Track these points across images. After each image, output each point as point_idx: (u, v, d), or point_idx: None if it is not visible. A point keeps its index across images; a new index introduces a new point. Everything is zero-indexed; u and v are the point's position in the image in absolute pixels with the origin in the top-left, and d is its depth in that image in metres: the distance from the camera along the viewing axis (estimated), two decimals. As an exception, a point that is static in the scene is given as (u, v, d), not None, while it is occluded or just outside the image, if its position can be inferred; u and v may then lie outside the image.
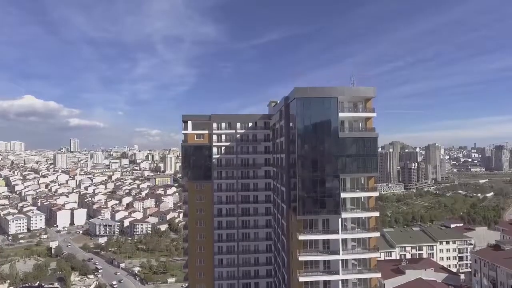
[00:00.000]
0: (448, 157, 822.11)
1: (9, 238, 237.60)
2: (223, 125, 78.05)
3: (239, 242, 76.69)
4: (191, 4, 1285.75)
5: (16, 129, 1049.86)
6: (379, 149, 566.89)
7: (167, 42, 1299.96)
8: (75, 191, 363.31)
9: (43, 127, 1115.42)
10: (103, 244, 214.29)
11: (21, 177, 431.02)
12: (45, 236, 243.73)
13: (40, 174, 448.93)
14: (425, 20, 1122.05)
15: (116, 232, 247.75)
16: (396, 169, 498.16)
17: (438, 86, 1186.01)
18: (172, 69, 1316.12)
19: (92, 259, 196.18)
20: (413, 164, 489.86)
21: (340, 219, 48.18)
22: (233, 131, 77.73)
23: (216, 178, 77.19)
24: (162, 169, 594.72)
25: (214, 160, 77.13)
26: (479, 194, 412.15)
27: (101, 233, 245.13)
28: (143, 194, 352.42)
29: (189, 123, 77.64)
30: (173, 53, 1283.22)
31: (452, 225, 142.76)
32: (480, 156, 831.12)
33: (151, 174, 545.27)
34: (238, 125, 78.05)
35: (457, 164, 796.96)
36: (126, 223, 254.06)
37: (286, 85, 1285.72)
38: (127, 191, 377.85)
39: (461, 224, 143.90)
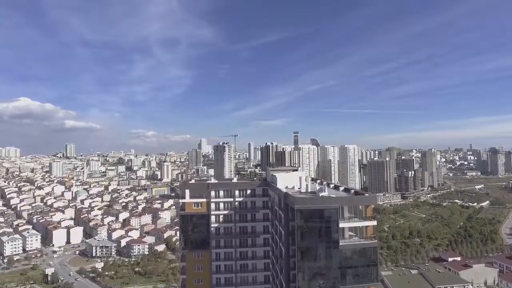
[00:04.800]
0: (444, 160, 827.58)
1: (4, 260, 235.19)
2: (221, 193, 77.28)
3: (237, 313, 76.18)
4: (187, 6, 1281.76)
5: (10, 132, 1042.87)
6: (375, 158, 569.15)
7: (164, 44, 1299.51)
8: (71, 205, 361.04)
9: (38, 129, 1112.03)
10: (100, 269, 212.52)
11: (17, 189, 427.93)
12: (41, 259, 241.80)
13: (36, 185, 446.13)
14: (418, 22, 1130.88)
15: (113, 253, 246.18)
16: (393, 177, 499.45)
17: (433, 86, 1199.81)
18: (169, 71, 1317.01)
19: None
20: (410, 172, 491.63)
21: (340, 330, 47.81)
22: (231, 199, 77.05)
23: (214, 247, 76.48)
24: (159, 177, 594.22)
25: (212, 229, 76.40)
26: (475, 204, 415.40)
27: (98, 254, 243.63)
28: (140, 208, 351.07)
29: (187, 191, 76.80)
30: (169, 55, 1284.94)
31: (450, 259, 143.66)
32: (476, 159, 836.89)
33: (148, 183, 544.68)
34: (237, 192, 77.41)
35: (453, 167, 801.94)
36: (123, 243, 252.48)
37: (282, 86, 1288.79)
38: (123, 204, 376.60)
39: (459, 259, 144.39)
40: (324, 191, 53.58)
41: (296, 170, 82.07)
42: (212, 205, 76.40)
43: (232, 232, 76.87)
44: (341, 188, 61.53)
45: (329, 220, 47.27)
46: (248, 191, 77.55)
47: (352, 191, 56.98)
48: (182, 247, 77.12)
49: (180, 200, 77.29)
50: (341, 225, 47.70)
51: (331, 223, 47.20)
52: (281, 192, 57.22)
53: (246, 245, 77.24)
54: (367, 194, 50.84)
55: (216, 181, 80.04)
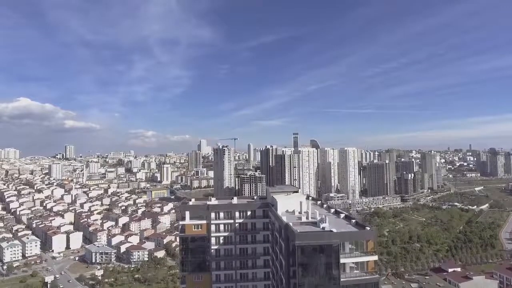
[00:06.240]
0: (444, 160, 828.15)
1: (4, 267, 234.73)
2: (222, 214, 76.98)
3: (238, 335, 75.97)
4: (186, 7, 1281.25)
5: (10, 132, 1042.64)
6: (375, 161, 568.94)
7: (163, 44, 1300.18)
8: (70, 208, 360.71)
9: (38, 130, 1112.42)
10: (99, 277, 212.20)
11: (16, 192, 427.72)
12: (41, 265, 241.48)
13: (35, 188, 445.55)
14: (418, 22, 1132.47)
15: (112, 259, 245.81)
16: (393, 179, 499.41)
17: (433, 86, 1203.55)
18: (168, 71, 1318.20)
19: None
20: (409, 174, 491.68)
21: None
22: (232, 221, 76.77)
23: (214, 269, 76.23)
24: (159, 179, 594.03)
25: (212, 251, 76.12)
26: (474, 207, 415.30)
27: (98, 261, 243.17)
28: (140, 212, 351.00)
29: (187, 213, 76.52)
30: (169, 55, 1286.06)
31: (450, 269, 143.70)
32: (475, 159, 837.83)
33: (148, 185, 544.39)
34: (237, 214, 77.14)
35: (452, 168, 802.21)
36: (123, 249, 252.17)
37: (282, 86, 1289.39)
38: (123, 207, 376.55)
39: (459, 269, 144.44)
40: (325, 222, 53.39)
41: (297, 191, 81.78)
42: (212, 227, 76.11)
43: (232, 254, 76.58)
44: (342, 215, 61.29)
45: (330, 256, 47.02)
46: (249, 213, 77.32)
47: (353, 220, 56.75)
48: (182, 269, 76.85)
49: (180, 222, 77.08)
50: (342, 260, 47.44)
51: (332, 259, 46.94)
52: (282, 222, 56.86)
53: (247, 267, 77.01)
54: (368, 228, 50.57)
55: (217, 202, 79.77)
